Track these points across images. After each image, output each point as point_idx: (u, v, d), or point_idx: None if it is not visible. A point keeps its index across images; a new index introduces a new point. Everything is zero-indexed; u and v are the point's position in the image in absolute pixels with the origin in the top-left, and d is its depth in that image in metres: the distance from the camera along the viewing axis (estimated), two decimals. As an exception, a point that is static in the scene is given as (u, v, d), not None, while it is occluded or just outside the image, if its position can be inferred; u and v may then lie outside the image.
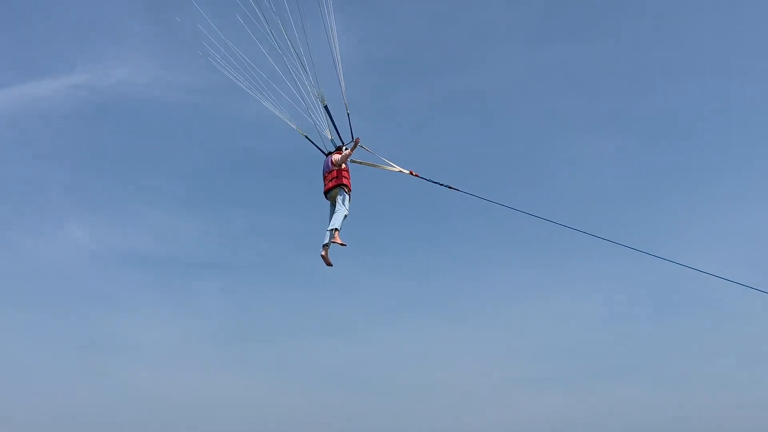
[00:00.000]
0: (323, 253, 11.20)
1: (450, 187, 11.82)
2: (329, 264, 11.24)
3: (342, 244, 10.88)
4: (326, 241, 11.21)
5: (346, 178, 11.47)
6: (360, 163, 11.70)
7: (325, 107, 11.76)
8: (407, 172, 11.77)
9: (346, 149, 11.65)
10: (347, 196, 11.38)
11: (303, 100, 11.50)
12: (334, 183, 11.63)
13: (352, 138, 11.74)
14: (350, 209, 10.99)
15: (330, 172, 11.55)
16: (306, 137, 12.08)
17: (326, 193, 11.63)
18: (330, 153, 11.98)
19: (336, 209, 11.21)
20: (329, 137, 12.12)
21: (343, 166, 11.51)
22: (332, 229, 10.83)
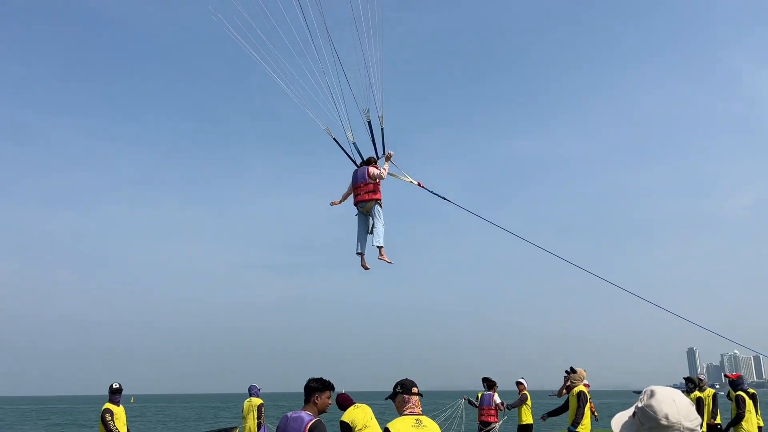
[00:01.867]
0: (363, 262, 11.94)
1: (446, 199, 13.10)
2: (368, 268, 12.01)
3: (389, 262, 11.76)
4: (359, 250, 11.93)
5: (380, 192, 11.91)
6: None
7: (369, 123, 11.63)
8: (416, 183, 12.73)
9: (381, 163, 12.17)
10: (381, 210, 11.88)
11: (332, 95, 11.57)
12: (371, 197, 11.87)
13: (384, 152, 12.32)
14: None
15: (366, 184, 12.07)
16: (335, 141, 12.37)
17: (358, 203, 12.21)
18: (362, 164, 12.40)
19: (374, 224, 11.65)
20: (352, 140, 12.59)
21: (377, 179, 12.04)
22: (378, 246, 11.63)
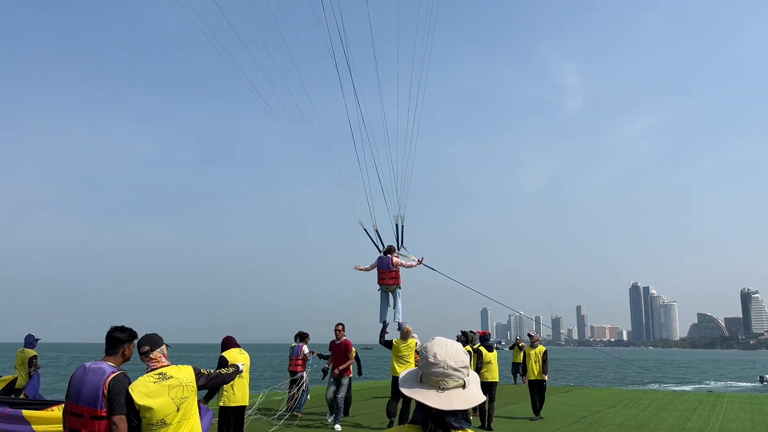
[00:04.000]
0: (385, 329, 14.09)
1: (438, 272, 15.72)
2: (387, 333, 14.32)
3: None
4: (383, 319, 13.93)
5: (400, 277, 14.31)
6: None
7: (396, 225, 14.21)
8: (418, 260, 15.13)
9: (408, 257, 14.30)
10: (401, 290, 14.35)
11: (366, 197, 13.58)
12: (394, 282, 14.22)
13: (402, 242, 14.51)
14: None
15: (390, 271, 14.13)
16: (365, 231, 14.21)
17: (383, 285, 14.27)
18: (386, 253, 14.32)
19: (395, 303, 14.25)
20: (374, 227, 14.62)
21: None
22: (399, 322, 13.90)
